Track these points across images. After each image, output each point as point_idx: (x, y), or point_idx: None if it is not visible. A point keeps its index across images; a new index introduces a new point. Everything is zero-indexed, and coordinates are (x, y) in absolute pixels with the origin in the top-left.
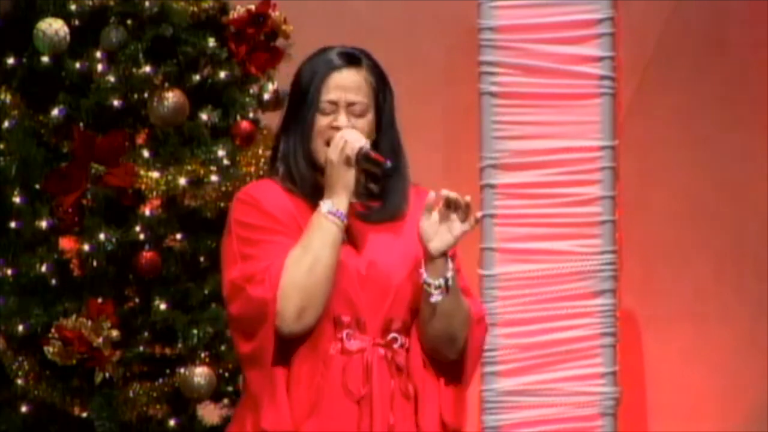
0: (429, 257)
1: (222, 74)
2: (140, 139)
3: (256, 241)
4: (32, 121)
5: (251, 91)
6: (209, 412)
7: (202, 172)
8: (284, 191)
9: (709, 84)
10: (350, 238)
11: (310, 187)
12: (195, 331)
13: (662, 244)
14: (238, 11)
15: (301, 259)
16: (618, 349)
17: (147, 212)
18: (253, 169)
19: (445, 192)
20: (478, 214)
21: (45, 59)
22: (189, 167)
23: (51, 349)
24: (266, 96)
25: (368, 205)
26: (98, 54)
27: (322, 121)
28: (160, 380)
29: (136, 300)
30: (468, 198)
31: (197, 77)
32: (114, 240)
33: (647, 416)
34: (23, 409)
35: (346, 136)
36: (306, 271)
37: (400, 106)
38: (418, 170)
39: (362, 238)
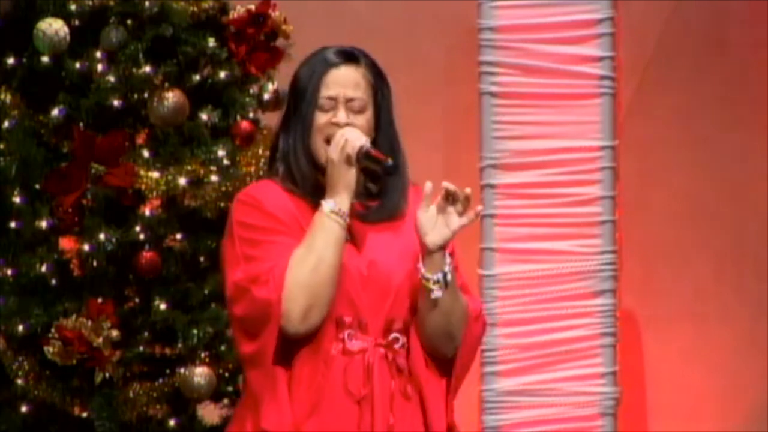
0: (426, 251)
1: (222, 74)
2: (140, 139)
3: (258, 242)
4: (32, 121)
5: (251, 91)
6: (209, 412)
7: (202, 172)
8: (284, 191)
9: (709, 84)
10: (350, 238)
11: (311, 186)
12: (195, 331)
13: (662, 244)
14: (238, 11)
15: (305, 260)
16: (618, 349)
17: (147, 212)
18: (253, 169)
19: (445, 184)
20: (479, 208)
21: (45, 59)
22: (189, 167)
23: (51, 349)
24: (266, 96)
25: (367, 204)
26: (98, 54)
27: (321, 118)
28: (160, 380)
29: (136, 300)
30: (468, 190)
31: (197, 77)
32: (114, 240)
33: (647, 416)
34: (23, 409)
35: (347, 135)
36: (310, 271)
37: (400, 106)
38: (418, 170)
39: (362, 238)
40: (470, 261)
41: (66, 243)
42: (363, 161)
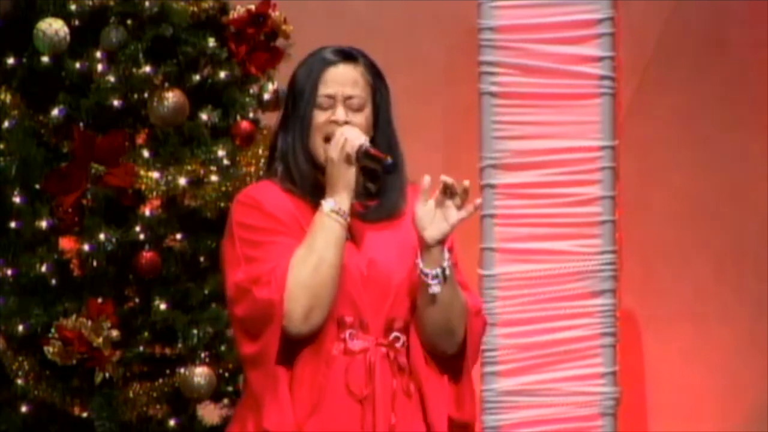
0: (425, 246)
1: (222, 74)
2: (140, 139)
3: (259, 243)
4: (32, 121)
5: (251, 91)
6: (209, 412)
7: (202, 172)
8: (284, 192)
9: (709, 84)
10: (350, 237)
11: (310, 185)
12: (195, 331)
13: (662, 244)
14: (238, 11)
15: (306, 260)
16: (618, 349)
17: (147, 212)
18: (253, 169)
19: (443, 177)
20: (477, 201)
21: (45, 59)
22: (189, 167)
23: (51, 349)
24: (266, 96)
25: (366, 204)
26: (98, 54)
27: (319, 117)
28: (160, 380)
29: (136, 300)
30: (467, 183)
31: (197, 77)
32: (114, 240)
33: (647, 416)
34: (23, 409)
35: (347, 134)
36: (311, 271)
37: (400, 105)
38: (418, 170)
39: (361, 237)
40: (470, 261)
41: (66, 243)
42: (363, 160)
